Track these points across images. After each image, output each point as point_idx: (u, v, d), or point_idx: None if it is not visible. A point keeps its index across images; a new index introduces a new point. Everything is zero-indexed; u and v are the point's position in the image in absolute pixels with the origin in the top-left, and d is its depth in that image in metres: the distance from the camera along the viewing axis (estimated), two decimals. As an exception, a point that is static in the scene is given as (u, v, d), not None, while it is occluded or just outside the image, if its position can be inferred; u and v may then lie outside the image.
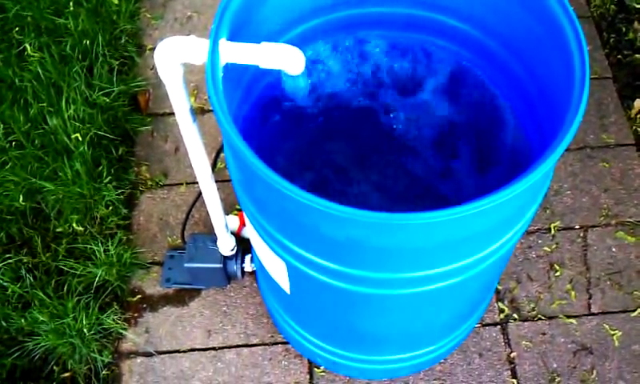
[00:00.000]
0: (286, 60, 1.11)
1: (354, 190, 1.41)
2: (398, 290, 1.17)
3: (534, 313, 1.85)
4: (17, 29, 2.29)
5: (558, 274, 1.91)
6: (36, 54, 2.19)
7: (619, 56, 2.34)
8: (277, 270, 1.32)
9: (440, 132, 1.46)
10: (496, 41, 1.34)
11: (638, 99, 2.22)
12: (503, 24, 1.29)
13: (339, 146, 1.45)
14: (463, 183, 1.42)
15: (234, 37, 1.11)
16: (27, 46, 2.21)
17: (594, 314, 1.85)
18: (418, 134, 1.46)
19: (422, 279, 1.14)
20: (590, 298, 1.88)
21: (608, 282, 1.90)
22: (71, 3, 2.30)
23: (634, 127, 2.17)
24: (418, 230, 1.01)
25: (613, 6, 2.45)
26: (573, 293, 1.88)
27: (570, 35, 1.07)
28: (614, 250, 1.95)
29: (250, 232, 1.38)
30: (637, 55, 2.32)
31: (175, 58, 1.11)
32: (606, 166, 2.10)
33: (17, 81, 2.15)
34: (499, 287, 1.89)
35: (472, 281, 1.26)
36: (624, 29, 2.39)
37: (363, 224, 0.98)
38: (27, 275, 1.85)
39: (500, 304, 1.86)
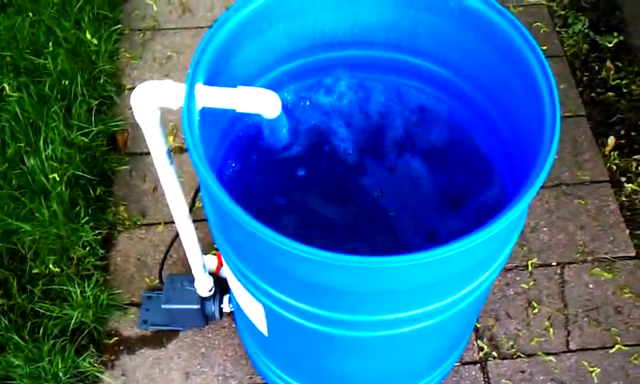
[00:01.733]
0: (262, 104, 1.13)
1: (331, 233, 1.42)
2: (375, 332, 1.17)
3: (514, 350, 1.85)
4: (-5, 69, 2.29)
5: (536, 311, 1.92)
6: (14, 94, 2.18)
7: (593, 94, 2.39)
8: (254, 312, 1.32)
9: (411, 169, 1.47)
10: (469, 83, 1.36)
11: (611, 136, 2.26)
12: (476, 67, 1.31)
13: (316, 188, 1.46)
14: (433, 224, 1.42)
15: (211, 80, 1.12)
16: (6, 85, 2.20)
17: (572, 351, 1.86)
18: (390, 175, 1.47)
19: (399, 321, 1.14)
20: (568, 335, 1.88)
21: (586, 319, 1.91)
22: (50, 43, 2.30)
23: (609, 164, 2.21)
24: (394, 273, 1.01)
25: (586, 46, 2.50)
26: (551, 330, 1.89)
27: (540, 80, 1.09)
28: (590, 286, 1.97)
29: (227, 274, 1.38)
30: (610, 93, 2.37)
31: (152, 103, 1.12)
32: (582, 202, 2.13)
33: (-6, 121, 2.14)
34: (478, 325, 1.89)
35: (450, 321, 1.26)
36: (597, 67, 2.45)
37: (340, 268, 0.98)
38: (2, 318, 1.82)
39: (479, 342, 1.86)
